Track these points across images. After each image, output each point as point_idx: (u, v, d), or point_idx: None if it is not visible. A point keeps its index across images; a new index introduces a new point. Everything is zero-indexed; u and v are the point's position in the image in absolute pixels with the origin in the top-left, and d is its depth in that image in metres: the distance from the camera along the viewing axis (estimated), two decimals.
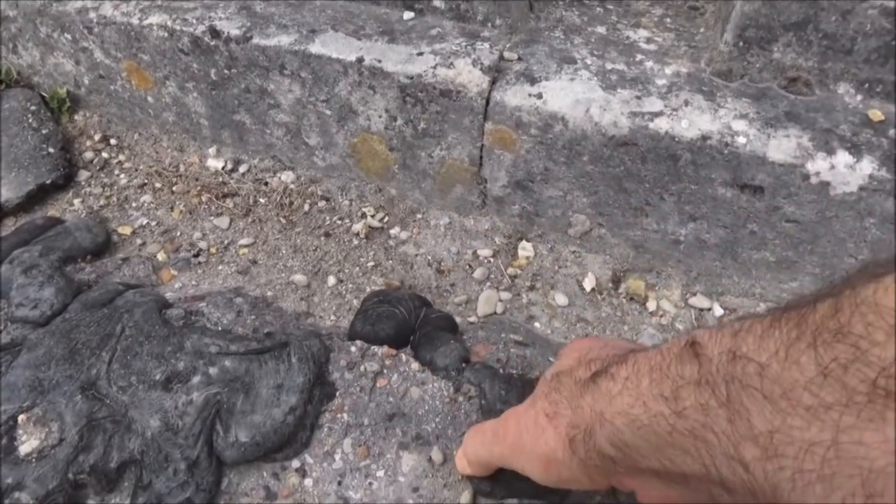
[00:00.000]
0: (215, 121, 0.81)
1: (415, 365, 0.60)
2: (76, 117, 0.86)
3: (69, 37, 0.80)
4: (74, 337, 0.58)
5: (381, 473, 0.55)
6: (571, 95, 0.65)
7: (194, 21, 0.74)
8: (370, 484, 0.54)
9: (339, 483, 0.54)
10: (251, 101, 0.77)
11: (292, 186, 0.80)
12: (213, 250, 0.73)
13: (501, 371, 0.60)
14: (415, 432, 0.57)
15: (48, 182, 0.76)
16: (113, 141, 0.85)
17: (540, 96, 0.66)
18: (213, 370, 0.56)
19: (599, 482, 0.41)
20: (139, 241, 0.73)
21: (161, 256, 0.71)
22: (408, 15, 0.76)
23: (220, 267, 0.72)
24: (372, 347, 0.61)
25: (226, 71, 0.75)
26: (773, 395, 0.26)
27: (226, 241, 0.74)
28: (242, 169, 0.82)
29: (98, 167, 0.82)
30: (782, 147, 0.59)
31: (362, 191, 0.79)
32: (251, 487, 0.54)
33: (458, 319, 0.67)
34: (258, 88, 0.75)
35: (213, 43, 0.73)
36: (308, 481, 0.54)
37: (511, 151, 0.70)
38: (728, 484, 0.29)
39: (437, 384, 0.59)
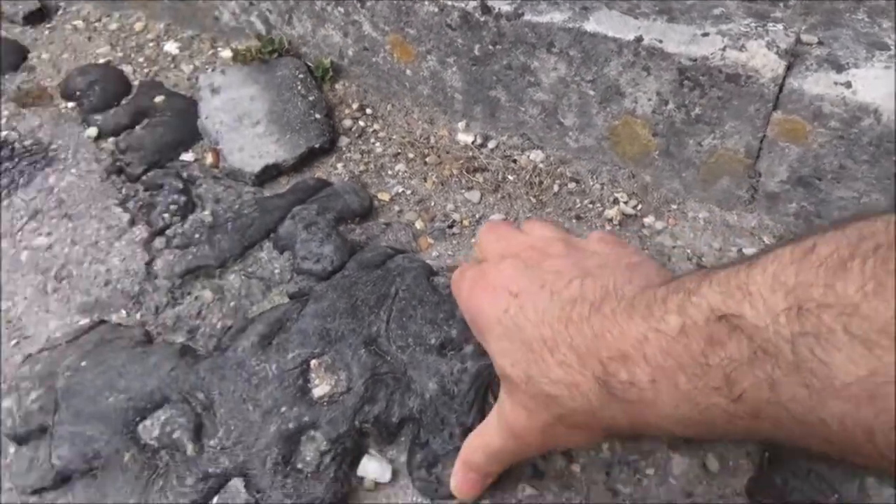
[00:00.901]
0: (470, 96, 0.82)
1: None
2: (336, 86, 0.92)
3: (342, 10, 0.85)
4: (354, 294, 0.62)
5: (650, 471, 0.53)
6: (888, 86, 0.58)
7: None
8: (639, 480, 0.53)
9: (608, 474, 0.53)
10: (510, 77, 0.77)
11: (541, 166, 0.79)
12: (465, 223, 0.74)
13: None
14: None
15: (316, 146, 0.82)
16: (368, 110, 0.89)
17: (848, 85, 0.59)
18: None
19: None
20: (397, 209, 0.77)
21: (419, 225, 0.74)
22: None
23: (472, 239, 0.73)
24: None
25: (490, 47, 0.76)
26: (867, 335, 0.23)
27: (477, 215, 0.75)
28: (491, 145, 0.82)
29: (356, 135, 0.86)
30: None
31: (614, 175, 0.77)
32: (518, 463, 0.54)
33: None
34: (520, 65, 0.75)
35: (482, 19, 0.74)
36: (575, 467, 0.54)
37: (799, 144, 0.64)
38: (798, 443, 0.28)
39: None
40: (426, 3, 0.77)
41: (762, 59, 0.62)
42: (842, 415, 0.25)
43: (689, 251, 0.70)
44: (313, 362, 0.57)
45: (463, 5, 0.75)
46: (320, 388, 0.56)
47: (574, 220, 0.74)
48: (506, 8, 0.73)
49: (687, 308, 0.31)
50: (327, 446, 0.53)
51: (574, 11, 0.71)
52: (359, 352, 0.57)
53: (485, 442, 0.46)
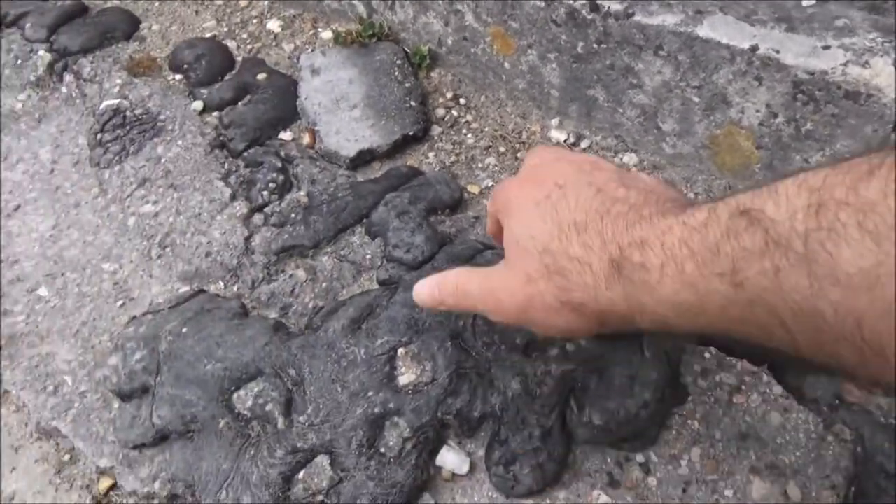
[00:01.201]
0: (566, 93, 0.81)
1: (777, 389, 0.56)
2: (432, 74, 0.92)
3: None
4: None
5: (729, 493, 0.52)
6: None
7: None
8: (717, 501, 0.52)
9: (684, 491, 0.53)
10: (611, 78, 0.76)
11: (634, 170, 0.78)
12: None
13: (883, 420, 0.54)
14: (769, 460, 0.53)
15: (410, 133, 0.83)
16: (462, 101, 0.90)
17: None
18: (569, 346, 0.57)
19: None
20: (486, 202, 0.77)
21: None
22: (808, 1, 0.69)
23: None
24: (729, 359, 0.58)
25: (594, 46, 0.75)
26: (878, 230, 0.25)
27: None
28: (583, 144, 0.82)
29: (449, 124, 0.87)
30: None
31: (710, 185, 0.75)
32: (595, 469, 0.55)
33: None
34: (624, 66, 0.74)
35: (589, 17, 0.73)
36: (652, 480, 0.54)
37: None
38: (783, 335, 0.30)
39: (802, 416, 0.54)
40: None
41: (887, 78, 0.59)
42: (838, 303, 0.27)
43: None
44: (400, 350, 0.59)
45: (571, 2, 0.74)
46: (406, 377, 0.57)
47: None
48: (616, 7, 0.71)
49: (717, 206, 0.33)
50: (410, 433, 0.55)
51: (687, 15, 0.69)
52: (445, 344, 0.58)
53: (466, 279, 0.48)
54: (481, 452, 0.56)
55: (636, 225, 0.37)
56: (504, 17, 0.81)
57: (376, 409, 0.56)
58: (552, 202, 0.42)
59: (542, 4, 0.76)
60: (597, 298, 0.39)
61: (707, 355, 0.58)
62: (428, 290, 0.50)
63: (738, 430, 0.54)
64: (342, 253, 0.70)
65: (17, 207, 0.82)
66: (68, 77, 0.97)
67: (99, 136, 0.88)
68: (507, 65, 0.85)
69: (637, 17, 0.70)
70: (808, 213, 0.28)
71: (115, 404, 0.62)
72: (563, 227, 0.41)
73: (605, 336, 0.45)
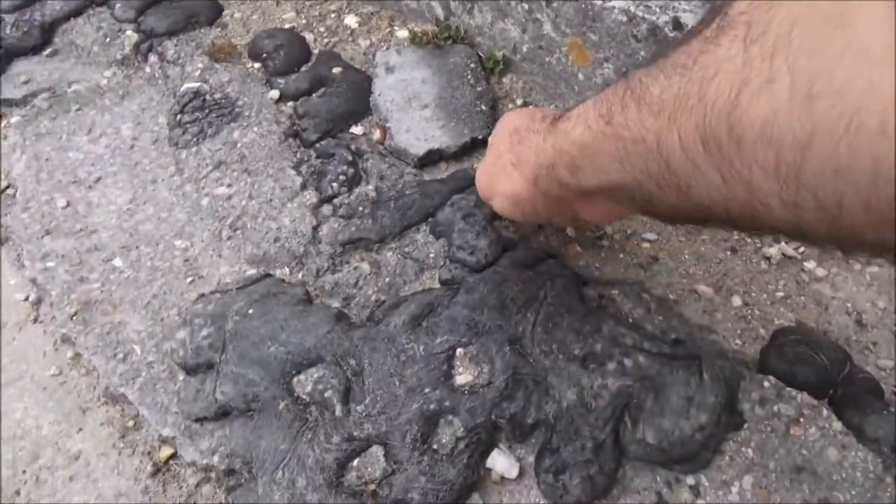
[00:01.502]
0: None
1: (837, 424, 0.55)
2: (504, 80, 0.93)
3: (526, 7, 0.86)
4: (504, 291, 0.64)
5: None
6: None
7: (657, 10, 0.74)
8: None
9: None
10: None
11: None
12: (616, 237, 0.75)
13: None
14: (823, 496, 0.53)
15: (479, 137, 0.84)
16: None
17: None
18: (627, 362, 0.58)
19: (556, 212, 0.57)
20: None
21: (570, 232, 0.75)
22: None
23: (620, 255, 0.73)
24: (788, 389, 0.57)
25: None
26: (665, 68, 0.35)
27: (629, 231, 0.75)
28: None
29: None
30: None
31: None
32: (644, 487, 0.55)
33: (882, 386, 0.60)
34: None
35: (672, 34, 0.73)
36: (701, 503, 0.54)
37: None
38: (634, 170, 0.39)
39: (861, 454, 0.53)
40: (616, 11, 0.77)
41: None
42: (650, 127, 0.36)
43: (848, 305, 0.67)
44: (459, 351, 0.60)
45: (654, 18, 0.74)
46: (463, 377, 0.58)
47: (729, 252, 0.72)
48: None
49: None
50: (463, 433, 0.56)
51: None
52: (503, 348, 0.59)
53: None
54: (531, 458, 0.56)
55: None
56: (583, 28, 0.81)
57: (432, 406, 0.57)
58: (531, 115, 0.55)
59: (624, 19, 0.76)
60: (536, 152, 0.50)
61: (766, 384, 0.58)
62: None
63: (794, 463, 0.54)
64: (406, 249, 0.71)
65: (98, 180, 0.86)
66: (152, 57, 1.01)
67: (178, 116, 0.91)
68: (580, 76, 0.85)
69: None
70: (648, 66, 0.37)
71: (180, 377, 0.65)
72: (535, 118, 0.53)
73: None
